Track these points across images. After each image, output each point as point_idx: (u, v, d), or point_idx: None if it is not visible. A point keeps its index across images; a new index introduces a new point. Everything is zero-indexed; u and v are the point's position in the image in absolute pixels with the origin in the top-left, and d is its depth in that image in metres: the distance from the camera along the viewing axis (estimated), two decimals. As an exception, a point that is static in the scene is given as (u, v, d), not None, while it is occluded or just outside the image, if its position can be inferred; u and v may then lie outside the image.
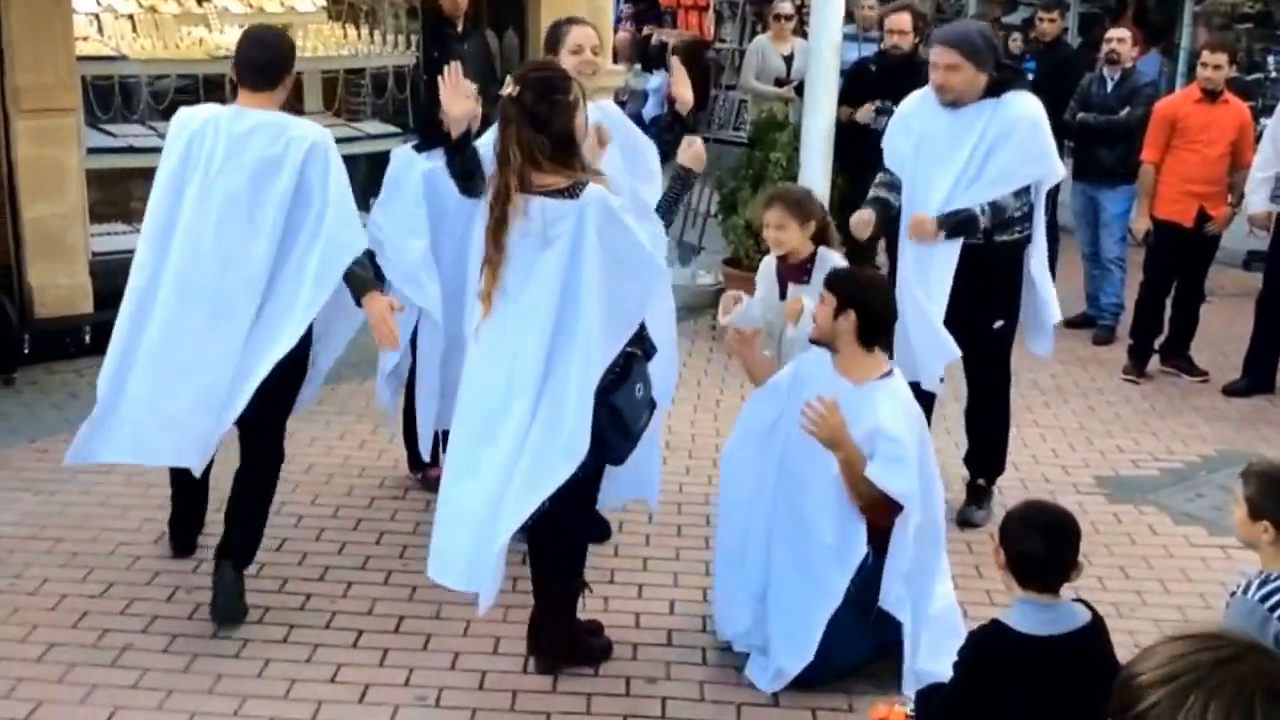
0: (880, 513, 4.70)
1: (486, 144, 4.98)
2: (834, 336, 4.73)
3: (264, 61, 5.20)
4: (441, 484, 4.89)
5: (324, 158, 5.08)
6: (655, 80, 18.26)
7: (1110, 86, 9.38)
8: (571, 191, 4.52)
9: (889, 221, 6.21)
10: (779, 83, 11.07)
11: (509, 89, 4.58)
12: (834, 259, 5.49)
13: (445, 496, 4.83)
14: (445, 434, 6.06)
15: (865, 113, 8.82)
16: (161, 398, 5.06)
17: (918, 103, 6.16)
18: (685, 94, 5.88)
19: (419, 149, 6.15)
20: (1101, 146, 9.33)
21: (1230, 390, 8.43)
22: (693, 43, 18.26)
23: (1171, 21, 13.50)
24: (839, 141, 8.55)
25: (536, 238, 4.54)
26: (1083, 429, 7.77)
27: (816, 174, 8.48)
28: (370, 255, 5.47)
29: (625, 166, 5.60)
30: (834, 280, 4.80)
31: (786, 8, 11.45)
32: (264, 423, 5.30)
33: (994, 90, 5.88)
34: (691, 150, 5.24)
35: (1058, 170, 6.14)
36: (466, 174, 4.91)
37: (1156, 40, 13.31)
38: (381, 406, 6.53)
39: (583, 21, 5.68)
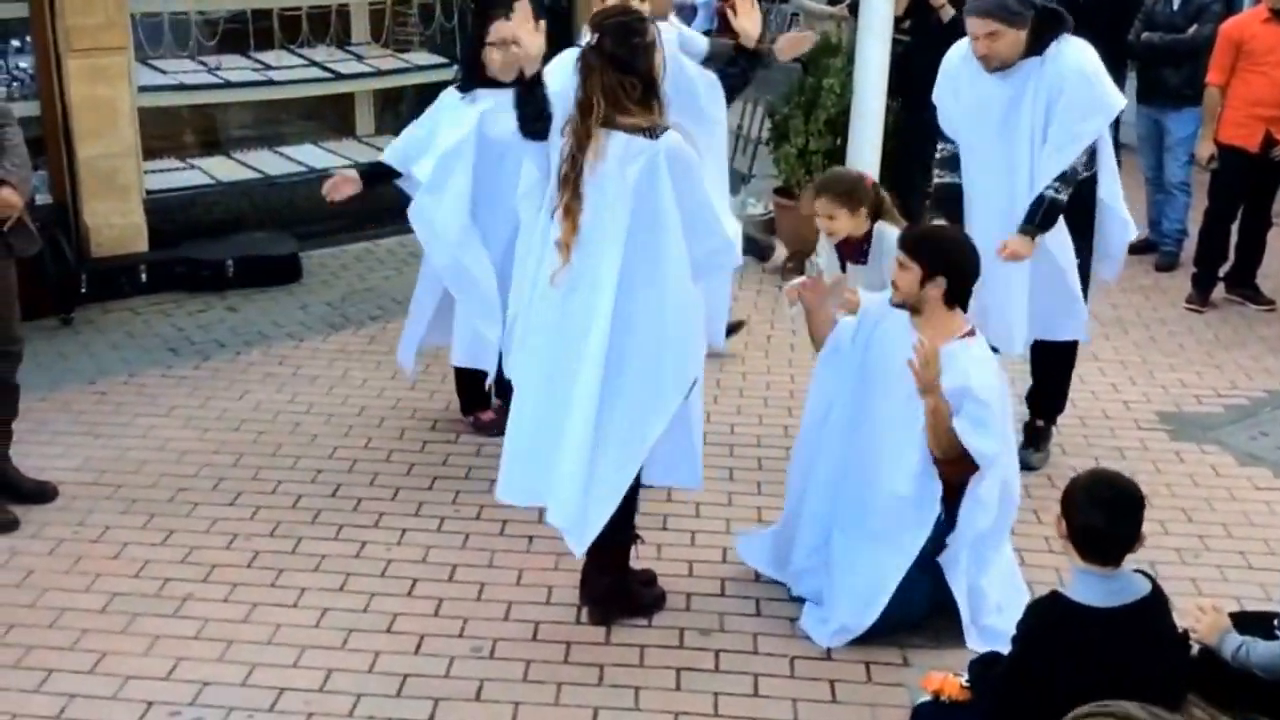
0: (956, 468, 4.65)
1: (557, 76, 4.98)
2: (920, 302, 4.63)
3: None
4: (516, 413, 4.84)
5: None
6: (704, -8, 18.05)
7: (1177, 4, 9.13)
8: (651, 132, 4.52)
9: (953, 200, 6.08)
10: (832, 1, 10.88)
11: (588, 37, 4.57)
12: (892, 235, 5.32)
13: (521, 428, 4.79)
14: (498, 374, 6.12)
15: None
16: None
17: (961, 63, 5.97)
18: (748, 26, 5.55)
19: (462, 89, 6.12)
20: (1167, 67, 9.10)
21: None
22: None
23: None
24: (895, 68, 8.36)
25: (612, 178, 4.52)
26: (1144, 362, 7.65)
27: (870, 101, 8.31)
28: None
29: (674, 105, 5.49)
30: (917, 245, 4.65)
31: (842, -75, 11.22)
32: None
33: (1037, 45, 5.70)
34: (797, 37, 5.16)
35: (1117, 106, 5.89)
36: (538, 114, 4.79)
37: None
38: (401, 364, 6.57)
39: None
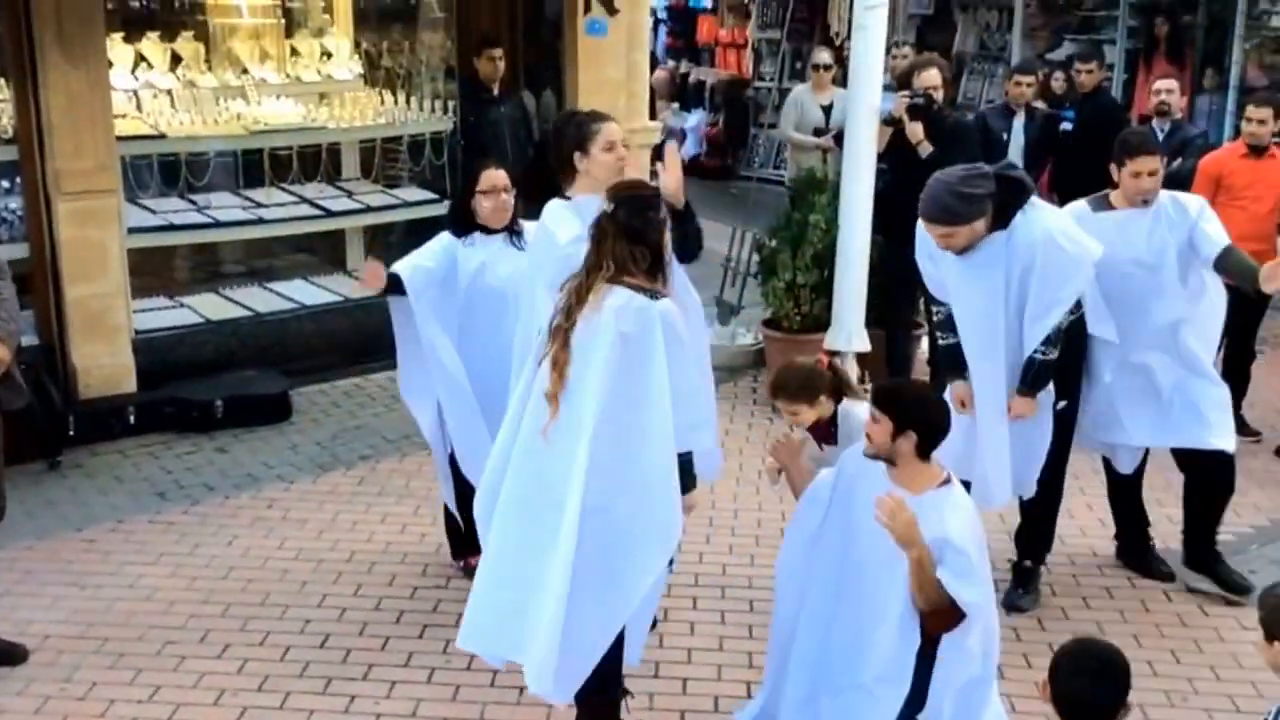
0: (942, 619, 4.62)
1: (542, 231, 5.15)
2: (893, 454, 4.66)
3: None
4: (486, 564, 4.82)
5: None
6: (693, 119, 18.34)
7: (1160, 138, 9.29)
8: (653, 294, 4.63)
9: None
10: (818, 133, 11.05)
11: (605, 206, 4.71)
12: (857, 413, 5.33)
13: (492, 577, 4.78)
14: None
15: (898, 103, 8.64)
16: None
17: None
18: (671, 184, 5.33)
19: (456, 234, 6.20)
20: (1151, 200, 9.23)
21: None
22: (731, 81, 18.29)
23: (1217, 52, 13.39)
24: (879, 204, 8.48)
25: (605, 328, 4.56)
26: (1132, 497, 7.66)
27: (856, 237, 8.43)
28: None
29: None
30: (886, 401, 4.68)
31: (825, 57, 11.42)
32: None
33: (1001, 219, 5.72)
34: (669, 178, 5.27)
35: (1092, 258, 5.88)
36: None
37: (1199, 79, 13.17)
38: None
39: (606, 116, 5.60)
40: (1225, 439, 6.34)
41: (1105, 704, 3.58)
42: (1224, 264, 6.23)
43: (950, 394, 6.00)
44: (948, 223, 5.66)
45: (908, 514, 4.43)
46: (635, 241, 4.64)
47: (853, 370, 8.14)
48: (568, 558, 4.57)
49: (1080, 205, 6.30)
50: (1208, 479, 6.57)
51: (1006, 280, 5.77)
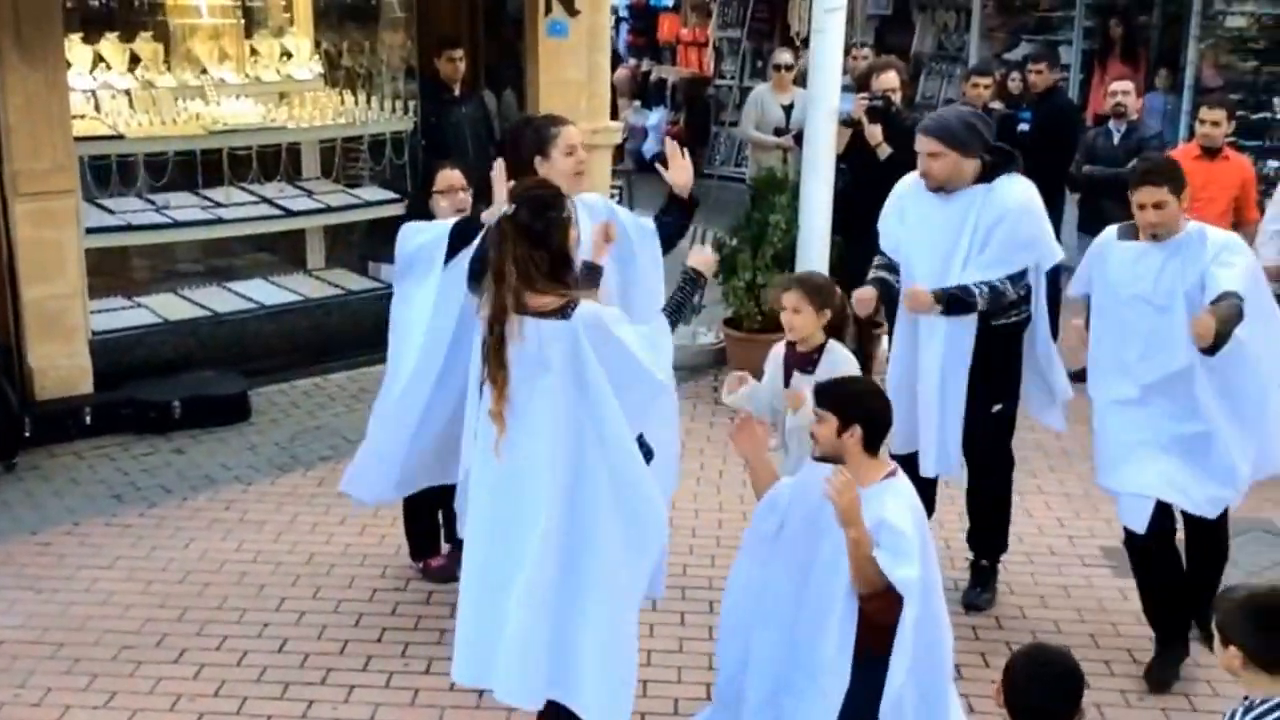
0: (880, 605, 4.63)
1: None
2: (840, 452, 4.66)
3: None
4: (466, 594, 4.81)
5: None
6: (655, 116, 18.35)
7: (1117, 139, 9.37)
8: (564, 312, 4.54)
9: (890, 302, 6.21)
10: (778, 132, 11.07)
11: (505, 207, 4.64)
12: (842, 355, 5.41)
13: (474, 606, 4.77)
14: (447, 519, 6.20)
15: (857, 105, 8.68)
16: None
17: (911, 187, 6.15)
18: (682, 177, 5.69)
19: None
20: (1108, 199, 9.28)
21: None
22: (693, 80, 18.30)
23: (1172, 51, 13.49)
24: (838, 204, 8.52)
25: (534, 359, 4.55)
26: (1088, 495, 7.69)
27: (816, 237, 8.47)
28: None
29: (614, 258, 5.56)
30: (830, 398, 4.70)
31: (786, 57, 11.44)
32: None
33: (986, 175, 5.87)
34: (702, 257, 5.19)
35: (1054, 253, 6.10)
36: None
37: (1151, 78, 13.25)
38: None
39: (567, 121, 5.61)
40: (1209, 507, 5.75)
41: (1059, 709, 3.60)
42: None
43: (856, 294, 6.08)
44: (944, 140, 5.81)
45: (854, 493, 4.44)
46: (535, 245, 4.55)
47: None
48: (538, 593, 4.58)
49: (1108, 233, 5.99)
50: (1196, 539, 5.98)
51: (974, 229, 5.87)
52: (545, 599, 4.60)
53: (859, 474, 4.62)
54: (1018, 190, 5.92)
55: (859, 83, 9.29)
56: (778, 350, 5.87)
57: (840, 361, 5.40)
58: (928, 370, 6.04)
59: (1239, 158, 8.59)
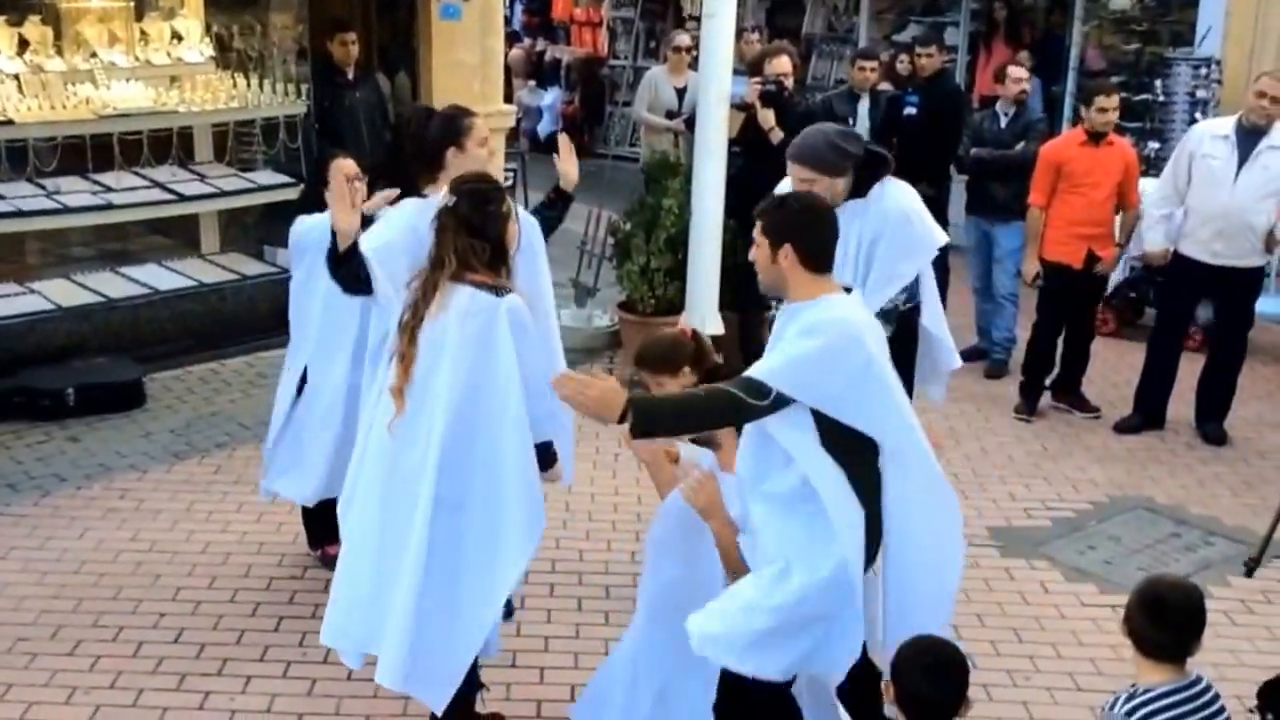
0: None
1: (387, 230, 5.07)
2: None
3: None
4: (344, 560, 4.90)
5: None
6: (549, 96, 18.38)
7: (1004, 122, 9.56)
8: (496, 290, 4.67)
9: None
10: (670, 115, 11.15)
11: (445, 199, 4.73)
12: None
13: (351, 574, 4.85)
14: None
15: (750, 89, 8.79)
16: None
17: None
18: (570, 171, 5.89)
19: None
20: (995, 181, 9.49)
21: (1122, 427, 8.62)
22: (587, 60, 18.34)
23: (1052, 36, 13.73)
24: (731, 189, 8.62)
25: (452, 329, 4.63)
26: (975, 474, 7.91)
27: (708, 221, 8.57)
28: None
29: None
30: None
31: (685, 40, 11.48)
32: None
33: (860, 188, 5.86)
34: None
35: (936, 243, 6.09)
36: (354, 279, 4.90)
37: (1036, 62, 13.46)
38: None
39: (474, 112, 5.61)
40: None
41: (947, 700, 3.73)
42: None
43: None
44: (813, 167, 5.71)
45: (713, 486, 4.49)
46: (475, 235, 4.69)
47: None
48: (420, 551, 4.66)
49: None
50: None
51: (857, 246, 5.89)
52: (427, 580, 4.68)
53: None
54: (894, 198, 5.91)
55: (752, 68, 9.40)
56: None
57: None
58: None
59: (1121, 142, 8.79)
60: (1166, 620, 3.81)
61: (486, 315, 4.64)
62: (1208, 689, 3.81)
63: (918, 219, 5.98)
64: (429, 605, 4.69)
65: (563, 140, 5.99)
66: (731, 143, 8.70)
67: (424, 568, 4.66)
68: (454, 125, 5.46)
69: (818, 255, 4.25)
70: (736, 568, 4.59)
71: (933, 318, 6.30)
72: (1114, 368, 9.72)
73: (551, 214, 5.95)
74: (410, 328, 4.69)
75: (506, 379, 4.68)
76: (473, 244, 4.68)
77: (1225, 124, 8.35)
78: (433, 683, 4.75)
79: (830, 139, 5.75)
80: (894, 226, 5.88)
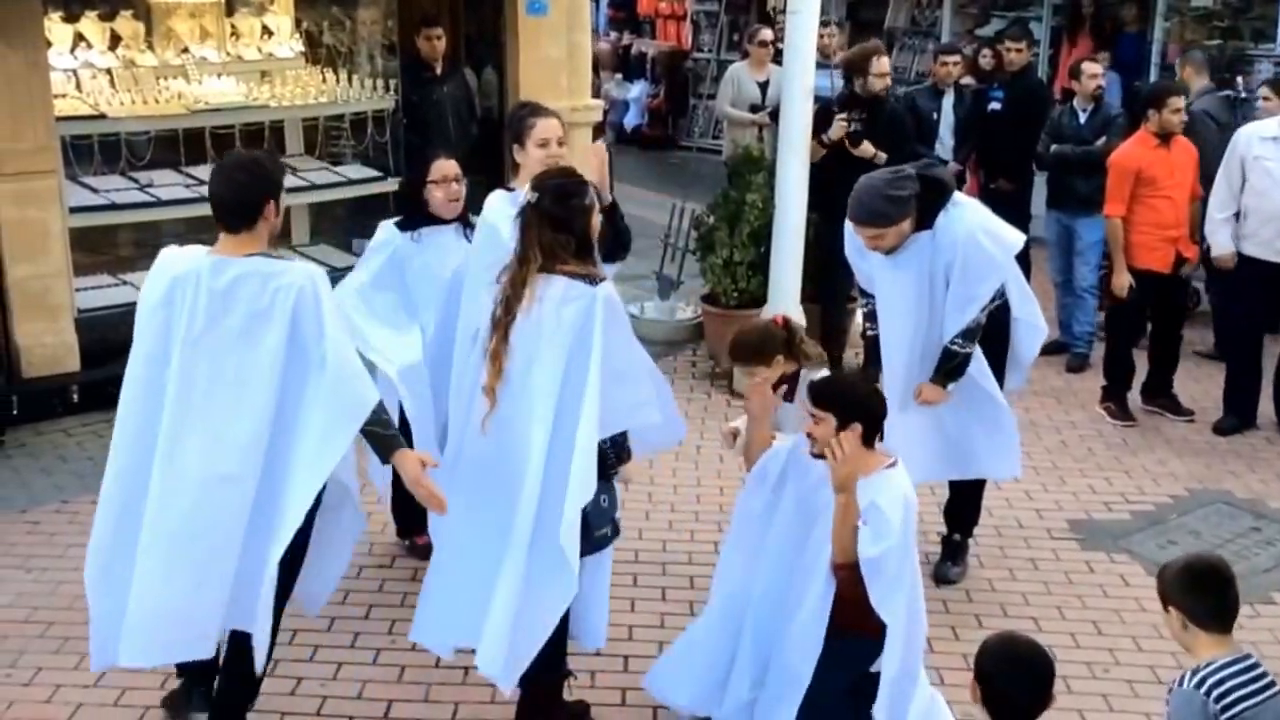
0: (848, 575, 4.73)
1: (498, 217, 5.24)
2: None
3: (235, 201, 4.66)
4: (438, 558, 5.00)
5: (315, 303, 4.56)
6: (635, 90, 18.48)
7: (1083, 118, 9.52)
8: (590, 279, 4.74)
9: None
10: (754, 109, 11.18)
11: (529, 196, 4.82)
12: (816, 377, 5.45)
13: (444, 576, 4.95)
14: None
15: (837, 129, 8.84)
16: (162, 592, 4.65)
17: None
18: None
19: (401, 227, 6.20)
20: (1077, 176, 9.43)
21: (1219, 429, 8.52)
22: (671, 53, 18.42)
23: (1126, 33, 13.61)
24: (814, 183, 8.65)
25: (549, 320, 4.70)
26: (1055, 467, 7.90)
27: (792, 215, 8.60)
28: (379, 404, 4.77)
29: None
30: (824, 397, 4.76)
31: (767, 34, 11.48)
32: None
33: (925, 219, 5.87)
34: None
35: (1012, 250, 6.05)
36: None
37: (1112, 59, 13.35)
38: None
39: (547, 112, 5.69)
40: None
41: (1036, 703, 3.79)
42: None
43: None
44: (877, 225, 5.81)
45: (853, 465, 4.56)
46: (560, 229, 4.75)
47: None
48: (523, 548, 4.72)
49: None
50: None
51: (931, 277, 5.93)
52: (530, 576, 4.75)
53: (860, 468, 4.71)
54: (961, 223, 5.89)
55: (849, 66, 9.39)
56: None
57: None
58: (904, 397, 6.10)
59: (1182, 138, 8.57)
60: (1208, 585, 3.97)
61: (584, 303, 4.70)
62: (1258, 665, 3.89)
63: (987, 235, 5.94)
64: (530, 600, 4.77)
65: (595, 150, 5.89)
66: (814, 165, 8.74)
67: (528, 564, 4.73)
68: (520, 124, 5.63)
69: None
70: (846, 548, 4.61)
71: (1022, 308, 6.30)
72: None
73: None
74: (503, 324, 4.76)
75: (594, 372, 4.72)
76: (558, 238, 4.75)
77: (1272, 125, 8.34)
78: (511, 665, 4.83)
79: (883, 193, 5.79)
80: (966, 251, 5.87)
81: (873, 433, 4.75)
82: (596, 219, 4.89)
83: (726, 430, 5.50)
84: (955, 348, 5.98)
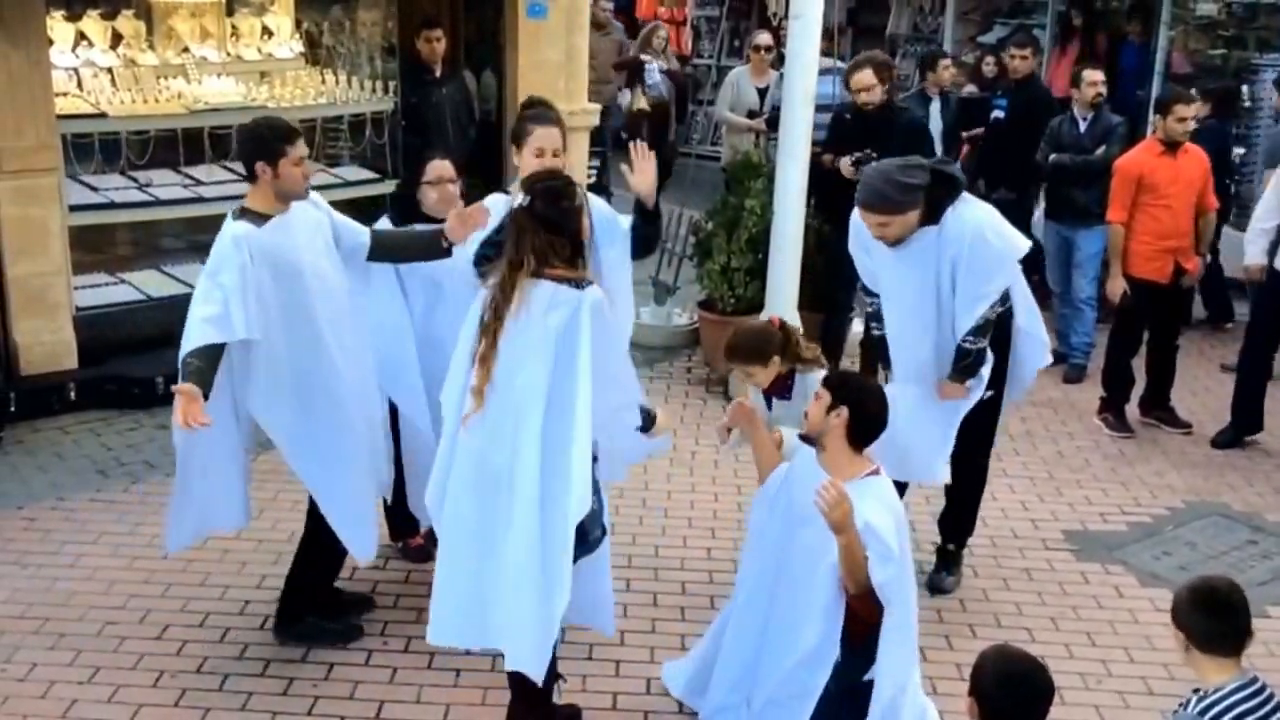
0: (865, 604, 4.75)
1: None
2: (823, 432, 4.78)
3: (241, 161, 5.57)
4: (443, 559, 4.99)
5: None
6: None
7: (1083, 127, 9.51)
8: (577, 284, 4.74)
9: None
10: (751, 115, 11.19)
11: (520, 199, 4.81)
12: (813, 378, 5.41)
13: (453, 570, 4.93)
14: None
15: (846, 168, 8.81)
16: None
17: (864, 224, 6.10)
18: (642, 186, 5.33)
19: (395, 224, 6.19)
20: (1075, 187, 9.43)
21: (1219, 442, 8.50)
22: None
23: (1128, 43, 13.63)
24: (817, 186, 8.64)
25: (535, 325, 4.71)
26: (1051, 478, 7.91)
27: (789, 222, 8.59)
28: None
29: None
30: (831, 379, 4.87)
31: (765, 39, 11.53)
32: None
33: (932, 214, 5.86)
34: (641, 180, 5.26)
35: (1018, 255, 6.05)
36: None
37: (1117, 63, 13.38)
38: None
39: (547, 120, 5.63)
40: None
41: (1035, 717, 3.78)
42: None
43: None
44: (885, 211, 5.79)
45: (847, 505, 4.55)
46: (553, 232, 4.75)
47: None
48: (535, 552, 4.73)
49: None
50: None
51: (937, 273, 5.92)
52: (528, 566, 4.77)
53: (840, 465, 4.73)
54: (969, 220, 5.88)
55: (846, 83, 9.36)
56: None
57: (813, 383, 5.49)
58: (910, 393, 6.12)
59: (1195, 148, 8.55)
60: (1219, 610, 3.92)
61: (570, 309, 4.70)
62: (1265, 687, 3.87)
63: (994, 234, 5.93)
64: (543, 596, 4.78)
65: (638, 147, 5.43)
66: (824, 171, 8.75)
67: (540, 565, 4.74)
68: (520, 129, 5.62)
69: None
70: (861, 582, 4.62)
71: (1026, 319, 6.30)
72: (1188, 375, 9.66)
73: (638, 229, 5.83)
74: (492, 328, 4.76)
75: (584, 374, 4.73)
76: (551, 241, 4.75)
77: None
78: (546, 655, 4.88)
79: (892, 178, 5.77)
80: (973, 248, 5.87)
81: (860, 429, 4.74)
82: (587, 220, 4.90)
83: (721, 427, 5.51)
84: (968, 345, 5.97)
